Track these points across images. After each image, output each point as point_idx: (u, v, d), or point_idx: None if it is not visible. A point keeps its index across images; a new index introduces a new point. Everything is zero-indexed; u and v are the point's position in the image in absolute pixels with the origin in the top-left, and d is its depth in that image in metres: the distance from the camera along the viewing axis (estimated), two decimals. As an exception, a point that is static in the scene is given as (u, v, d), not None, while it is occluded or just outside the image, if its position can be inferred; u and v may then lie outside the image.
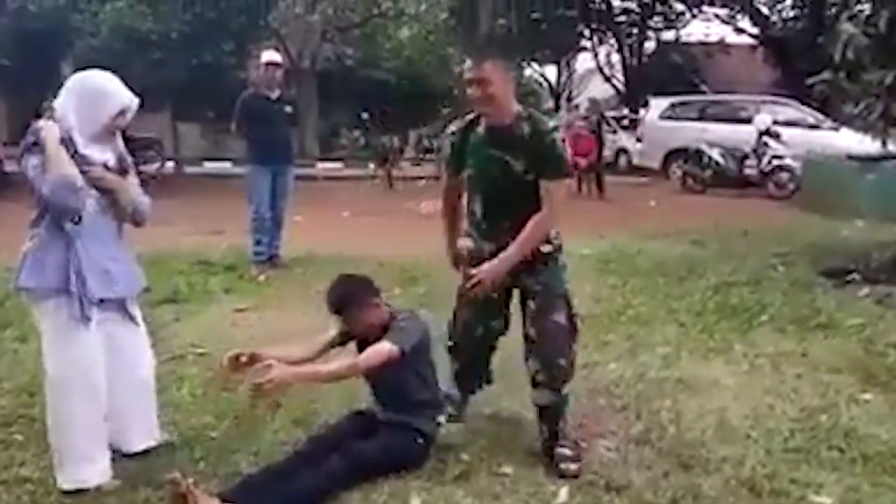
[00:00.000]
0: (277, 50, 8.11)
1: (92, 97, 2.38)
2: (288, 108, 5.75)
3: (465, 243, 2.76)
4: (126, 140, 2.60)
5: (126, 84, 2.48)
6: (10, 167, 10.98)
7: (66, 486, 2.35)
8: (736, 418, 2.93)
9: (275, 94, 5.64)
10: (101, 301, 2.40)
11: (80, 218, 2.35)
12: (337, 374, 2.55)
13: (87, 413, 2.36)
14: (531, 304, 2.62)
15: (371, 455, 2.51)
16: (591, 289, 4.83)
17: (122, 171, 2.50)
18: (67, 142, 2.32)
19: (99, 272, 2.38)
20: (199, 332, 4.06)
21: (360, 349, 2.59)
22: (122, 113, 2.41)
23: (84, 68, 2.60)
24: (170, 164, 12.90)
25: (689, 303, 4.62)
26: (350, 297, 2.60)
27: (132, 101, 2.43)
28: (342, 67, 19.66)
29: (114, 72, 2.49)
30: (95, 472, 2.38)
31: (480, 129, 2.62)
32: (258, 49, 8.10)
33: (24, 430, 2.80)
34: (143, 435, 2.59)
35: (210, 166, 14.88)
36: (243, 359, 2.43)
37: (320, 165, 14.95)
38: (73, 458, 2.36)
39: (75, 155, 2.31)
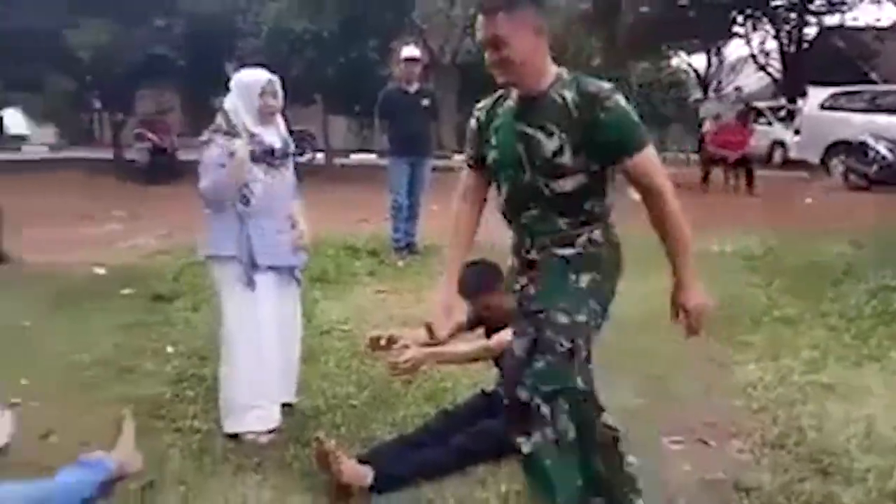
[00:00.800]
0: (417, 45, 8.43)
1: (243, 87, 2.76)
2: (426, 102, 5.97)
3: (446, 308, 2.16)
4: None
5: (283, 81, 2.83)
6: (184, 156, 12.20)
7: (230, 430, 2.68)
8: (886, 428, 2.75)
9: (413, 88, 5.89)
10: (270, 268, 2.72)
11: (248, 201, 2.67)
12: (469, 356, 2.69)
13: (252, 367, 2.67)
14: None
15: (497, 433, 2.62)
16: (731, 287, 4.66)
17: (286, 155, 2.84)
18: (242, 129, 2.68)
19: (268, 243, 2.70)
20: (344, 310, 4.39)
21: (488, 333, 2.71)
22: (264, 92, 2.73)
23: (245, 66, 3.01)
24: (320, 156, 13.71)
25: (842, 306, 4.33)
26: (481, 283, 2.71)
27: (270, 80, 2.76)
28: (482, 61, 19.85)
29: (272, 70, 2.84)
30: (256, 420, 2.69)
31: (510, 102, 1.98)
32: (401, 45, 8.44)
33: (195, 388, 3.18)
34: (285, 393, 2.87)
35: (356, 158, 15.68)
36: (382, 341, 2.63)
37: (457, 157, 15.25)
38: (238, 406, 2.69)
39: (252, 138, 2.69)
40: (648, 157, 1.86)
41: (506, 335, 2.55)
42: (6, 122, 16.18)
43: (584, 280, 1.91)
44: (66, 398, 3.09)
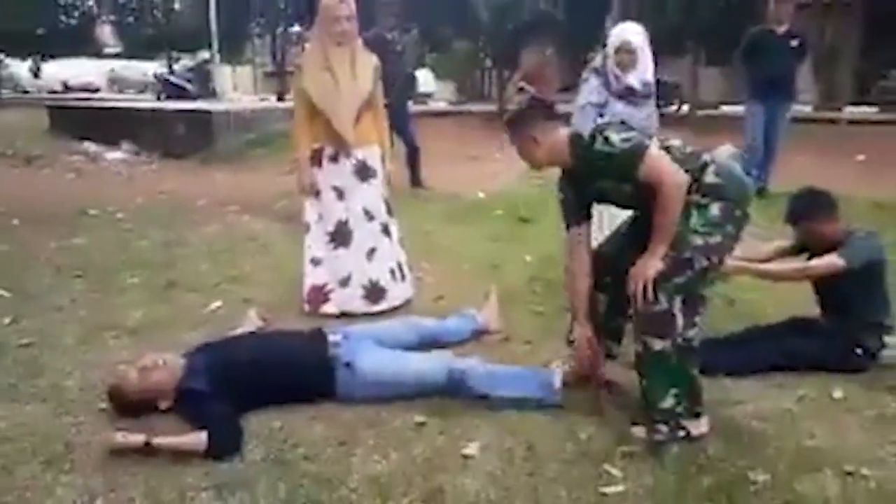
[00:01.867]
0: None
1: (613, 38, 3.45)
2: (794, 43, 5.74)
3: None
4: (656, 83, 3.54)
5: (658, 31, 3.45)
6: (561, 108, 13.27)
7: None
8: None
9: (782, 29, 5.71)
10: None
11: None
12: (783, 275, 2.90)
13: None
14: None
15: (806, 351, 2.80)
16: None
17: (645, 95, 3.40)
18: (609, 71, 3.45)
19: None
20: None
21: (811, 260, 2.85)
22: (619, 49, 3.41)
23: (625, 18, 3.68)
24: (685, 107, 13.59)
25: None
26: (809, 210, 2.86)
27: (625, 41, 3.43)
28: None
29: (646, 21, 3.42)
30: None
31: None
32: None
33: (542, 285, 3.94)
34: None
35: (725, 109, 15.05)
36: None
37: (848, 110, 13.58)
38: None
39: (617, 79, 3.46)
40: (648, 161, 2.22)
41: (829, 259, 2.71)
42: (419, 80, 19.44)
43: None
44: (451, 277, 4.12)
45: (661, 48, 13.09)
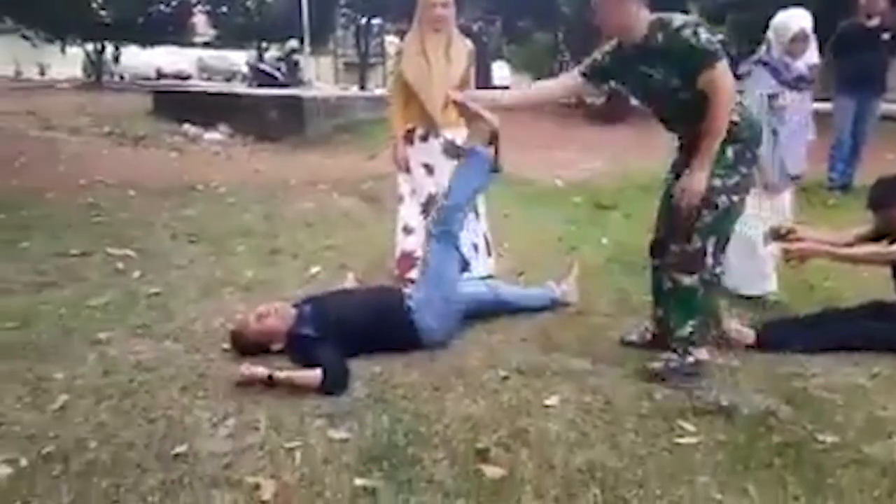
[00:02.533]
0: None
1: (780, 26, 3.39)
2: (885, 37, 5.64)
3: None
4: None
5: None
6: (634, 101, 13.20)
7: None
8: None
9: (873, 23, 5.63)
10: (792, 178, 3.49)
11: (781, 119, 3.41)
12: (863, 258, 2.99)
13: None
14: None
15: (884, 333, 2.88)
16: None
17: (808, 81, 3.43)
18: (777, 60, 3.38)
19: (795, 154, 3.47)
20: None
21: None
22: (795, 39, 3.32)
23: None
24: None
25: None
26: (889, 196, 2.94)
27: (801, 28, 3.31)
28: None
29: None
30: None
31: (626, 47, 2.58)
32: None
33: (622, 266, 4.10)
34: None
35: (816, 104, 14.57)
36: (783, 231, 3.10)
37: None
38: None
39: (786, 67, 3.39)
40: (718, 74, 2.38)
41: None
42: (494, 73, 19.60)
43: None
44: (530, 256, 4.33)
45: (749, 40, 12.80)
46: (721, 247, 2.58)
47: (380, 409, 2.42)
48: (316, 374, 2.53)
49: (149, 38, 18.28)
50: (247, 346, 2.80)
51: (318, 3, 14.49)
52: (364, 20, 18.28)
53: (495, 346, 2.97)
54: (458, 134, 3.72)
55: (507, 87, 21.69)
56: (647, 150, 9.20)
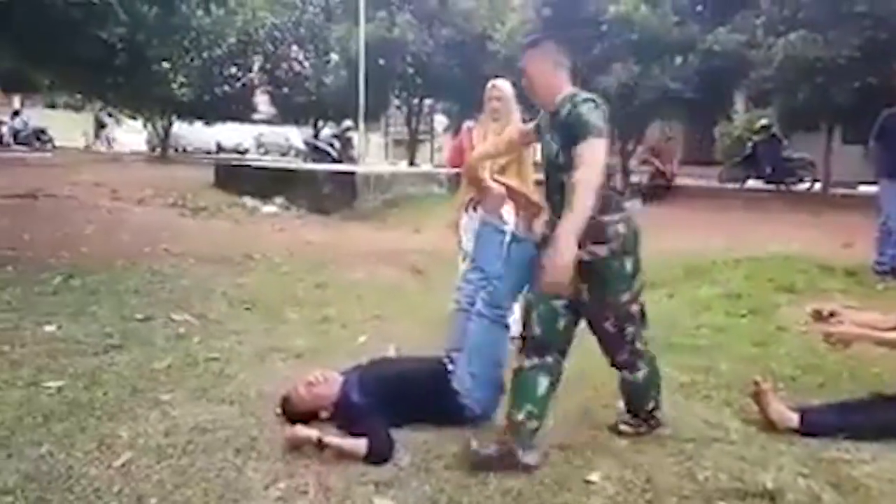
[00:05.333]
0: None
1: None
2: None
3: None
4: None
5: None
6: (679, 181, 13.33)
7: None
8: None
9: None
10: None
11: None
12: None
13: None
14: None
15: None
16: None
17: None
18: None
19: None
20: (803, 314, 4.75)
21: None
22: None
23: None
24: (817, 185, 13.21)
25: None
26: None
27: None
28: None
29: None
30: None
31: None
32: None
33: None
34: None
35: (863, 189, 14.42)
36: (824, 313, 3.11)
37: None
38: None
39: None
40: (589, 147, 2.34)
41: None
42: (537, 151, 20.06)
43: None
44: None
45: (794, 125, 12.90)
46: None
47: (423, 479, 2.50)
48: (361, 443, 2.62)
49: (214, 114, 19.39)
50: (296, 413, 2.92)
51: (374, 84, 15.22)
52: (416, 100, 19.05)
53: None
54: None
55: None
56: (693, 229, 9.30)
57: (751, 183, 13.42)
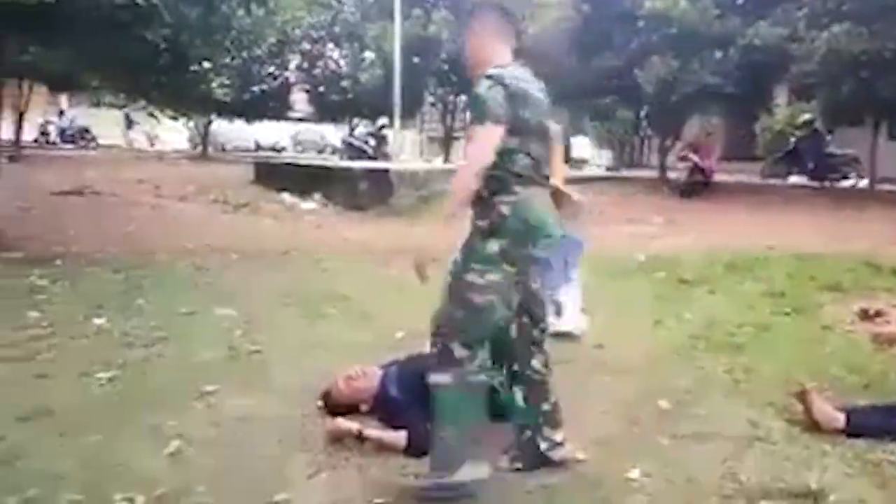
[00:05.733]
0: None
1: None
2: None
3: None
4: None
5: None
6: (718, 178, 13.11)
7: None
8: None
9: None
10: None
11: None
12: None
13: None
14: None
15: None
16: None
17: None
18: None
19: None
20: (848, 313, 4.64)
21: None
22: None
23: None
24: (863, 182, 12.88)
25: None
26: None
27: None
28: None
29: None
30: None
31: None
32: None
33: (706, 344, 4.09)
34: None
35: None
36: (871, 312, 3.06)
37: None
38: None
39: None
40: (475, 133, 2.26)
41: None
42: (573, 147, 20.00)
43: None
44: (611, 328, 4.36)
45: (837, 120, 12.59)
46: (479, 351, 2.31)
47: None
48: (401, 436, 2.66)
49: (253, 113, 19.68)
50: (336, 406, 2.97)
51: (409, 82, 15.28)
52: (451, 97, 19.05)
53: (576, 416, 3.02)
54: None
55: (585, 161, 22.01)
56: (733, 226, 9.16)
57: (793, 179, 13.14)
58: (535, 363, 2.51)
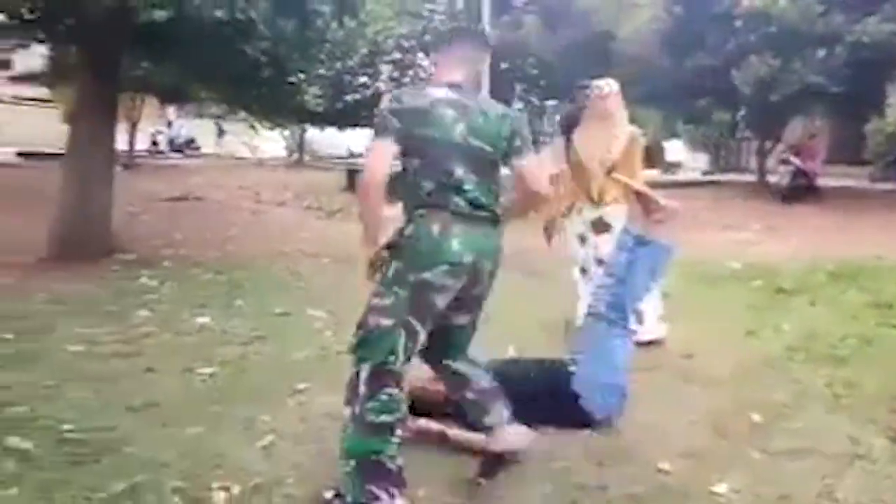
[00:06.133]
0: None
1: None
2: None
3: None
4: None
5: None
6: (822, 182, 12.43)
7: None
8: None
9: None
10: None
11: None
12: None
13: None
14: None
15: None
16: None
17: None
18: None
19: None
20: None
21: None
22: None
23: None
24: None
25: None
26: None
27: None
28: None
29: None
30: None
31: None
32: None
33: (805, 353, 3.90)
34: None
35: None
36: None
37: None
38: None
39: None
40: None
41: None
42: (667, 150, 19.47)
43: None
44: (702, 338, 4.22)
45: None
46: (379, 378, 2.23)
47: (545, 476, 2.53)
48: (482, 437, 2.69)
49: (345, 121, 20.29)
50: (420, 408, 3.03)
51: (497, 87, 15.35)
52: (539, 101, 18.98)
53: (662, 426, 2.97)
54: (607, 212, 4.06)
55: (678, 164, 21.35)
56: (838, 233, 8.65)
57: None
58: None
